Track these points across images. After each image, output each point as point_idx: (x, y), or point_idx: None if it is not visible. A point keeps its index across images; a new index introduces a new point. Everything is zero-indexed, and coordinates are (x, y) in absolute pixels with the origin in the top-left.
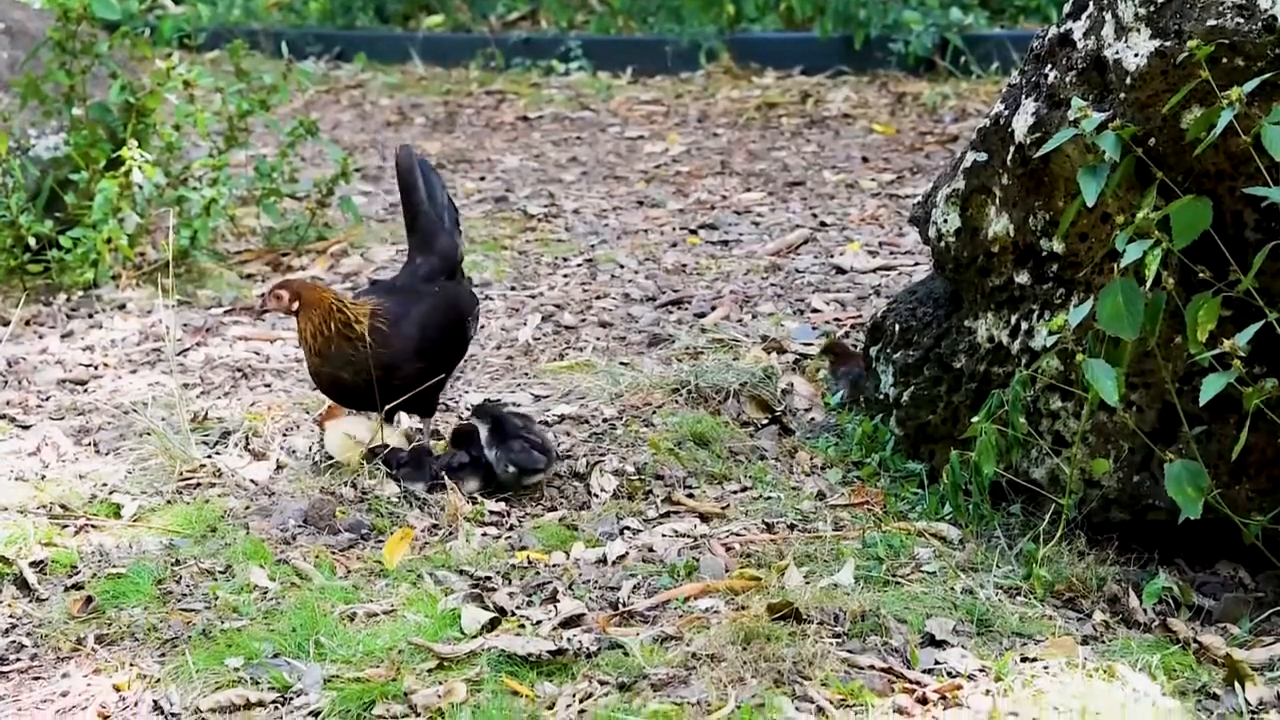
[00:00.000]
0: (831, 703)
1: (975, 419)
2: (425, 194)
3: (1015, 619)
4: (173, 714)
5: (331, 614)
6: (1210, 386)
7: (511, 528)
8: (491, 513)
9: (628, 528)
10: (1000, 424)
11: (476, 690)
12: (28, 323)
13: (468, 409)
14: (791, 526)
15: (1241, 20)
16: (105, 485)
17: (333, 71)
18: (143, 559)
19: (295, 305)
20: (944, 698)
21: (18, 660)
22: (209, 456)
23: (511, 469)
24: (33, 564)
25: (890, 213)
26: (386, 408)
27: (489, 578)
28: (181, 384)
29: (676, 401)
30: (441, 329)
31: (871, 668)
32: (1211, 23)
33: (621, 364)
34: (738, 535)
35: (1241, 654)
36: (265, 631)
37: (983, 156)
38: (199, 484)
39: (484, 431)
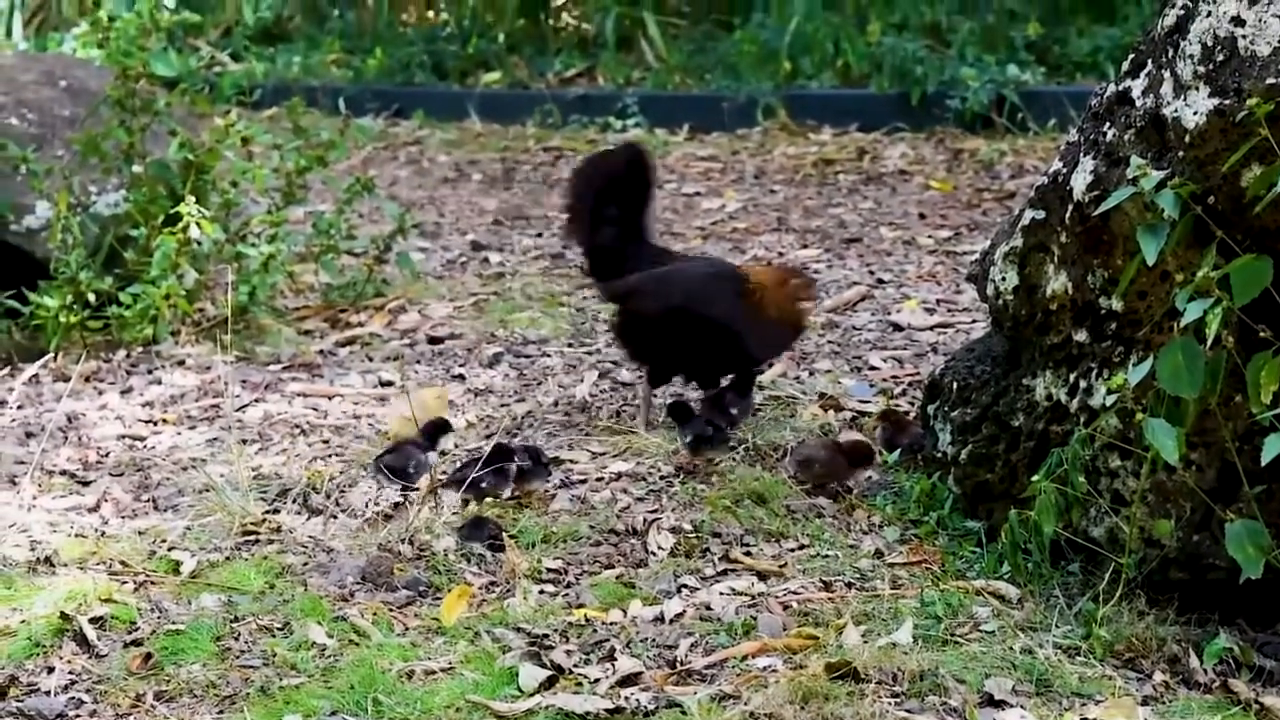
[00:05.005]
0: None
1: (1034, 477)
2: None
3: (1075, 679)
4: None
5: (389, 671)
6: (1272, 446)
7: (569, 585)
8: (549, 570)
9: (685, 585)
10: (1059, 483)
11: None
12: (88, 379)
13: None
14: (849, 585)
15: None
16: (164, 541)
17: (390, 128)
18: (201, 615)
19: None
20: None
21: (77, 716)
22: (267, 513)
23: None
24: (92, 620)
25: (947, 270)
26: None
27: (546, 635)
28: (240, 440)
29: (733, 459)
30: None
31: None
32: (1271, 81)
33: None
34: (795, 593)
35: None
36: (323, 689)
37: (1041, 214)
38: (258, 540)
39: None
